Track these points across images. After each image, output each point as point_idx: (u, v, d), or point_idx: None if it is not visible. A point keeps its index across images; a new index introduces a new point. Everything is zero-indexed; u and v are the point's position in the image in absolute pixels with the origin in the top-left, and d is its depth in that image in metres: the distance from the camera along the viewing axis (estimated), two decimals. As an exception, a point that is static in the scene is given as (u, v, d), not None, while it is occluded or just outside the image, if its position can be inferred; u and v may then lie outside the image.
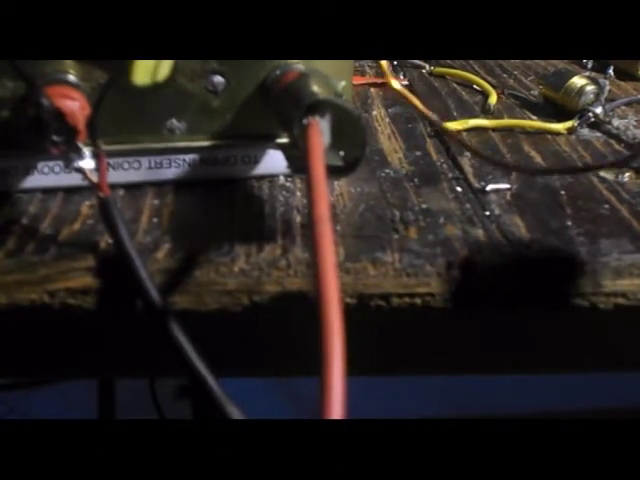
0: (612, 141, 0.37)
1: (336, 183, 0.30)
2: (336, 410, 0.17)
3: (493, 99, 0.42)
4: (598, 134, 0.38)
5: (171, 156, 0.30)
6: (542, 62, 0.52)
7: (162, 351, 0.23)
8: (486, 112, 0.41)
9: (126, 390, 0.99)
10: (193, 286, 0.25)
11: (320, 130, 0.24)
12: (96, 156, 0.26)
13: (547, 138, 0.37)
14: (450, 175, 0.32)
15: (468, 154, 0.34)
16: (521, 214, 0.29)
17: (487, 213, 0.29)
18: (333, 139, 0.25)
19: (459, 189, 0.31)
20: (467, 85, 0.46)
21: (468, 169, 0.33)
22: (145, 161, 0.30)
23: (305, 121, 0.25)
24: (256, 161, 0.31)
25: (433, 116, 0.32)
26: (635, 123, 0.39)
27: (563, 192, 0.31)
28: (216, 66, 0.29)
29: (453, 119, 0.39)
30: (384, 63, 0.30)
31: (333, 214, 0.28)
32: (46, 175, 0.30)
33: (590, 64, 0.49)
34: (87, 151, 0.26)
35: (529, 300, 0.25)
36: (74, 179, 0.27)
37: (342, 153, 0.26)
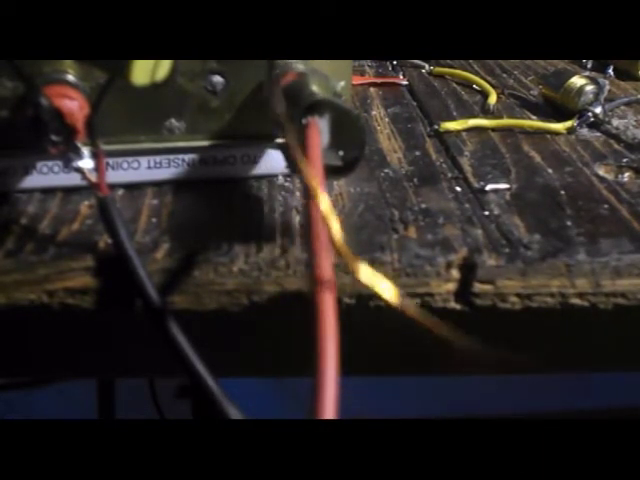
0: (612, 141, 0.37)
1: (335, 183, 0.30)
2: (329, 410, 0.17)
3: (493, 99, 0.42)
4: (598, 134, 0.38)
5: (170, 156, 0.30)
6: (542, 62, 0.52)
7: (162, 351, 0.23)
8: (486, 112, 0.41)
9: (126, 390, 0.99)
10: (192, 286, 0.25)
11: (319, 130, 0.24)
12: (95, 156, 0.26)
13: (547, 138, 0.37)
14: (449, 175, 0.32)
15: (467, 154, 0.34)
16: (520, 214, 0.29)
17: (486, 213, 0.29)
18: (332, 139, 0.25)
19: (458, 189, 0.31)
20: (467, 85, 0.46)
21: (467, 169, 0.33)
22: (144, 161, 0.30)
23: (304, 121, 0.25)
24: (255, 161, 0.31)
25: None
26: (635, 123, 0.39)
27: (563, 192, 0.31)
28: (215, 66, 0.29)
29: (453, 119, 0.39)
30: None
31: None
32: (45, 175, 0.30)
33: (590, 64, 0.49)
34: (86, 151, 0.26)
35: (528, 300, 0.25)
36: (73, 179, 0.27)
37: (341, 153, 0.26)
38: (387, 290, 0.20)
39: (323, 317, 0.19)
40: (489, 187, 0.31)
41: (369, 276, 0.20)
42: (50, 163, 0.29)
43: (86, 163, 0.26)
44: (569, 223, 0.28)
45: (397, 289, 0.20)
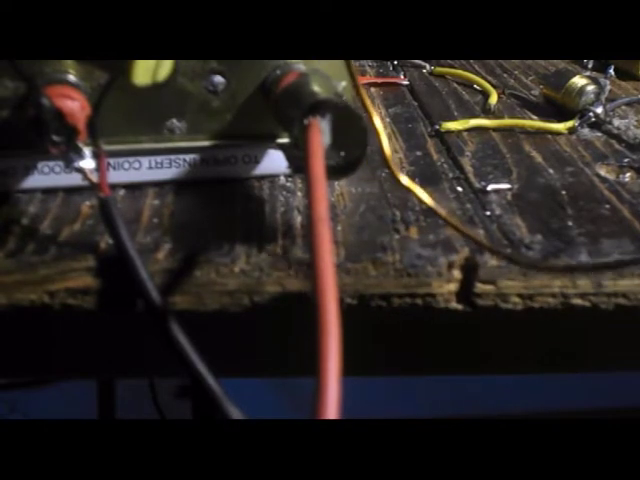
0: (613, 141, 0.37)
1: (336, 183, 0.30)
2: (331, 410, 0.17)
3: (493, 99, 0.42)
4: (599, 134, 0.38)
5: (171, 156, 0.30)
6: (543, 62, 0.52)
7: (162, 351, 0.23)
8: (487, 112, 0.41)
9: (126, 390, 0.99)
10: (193, 286, 0.25)
11: (320, 130, 0.24)
12: (96, 156, 0.26)
13: (548, 138, 0.37)
14: (451, 175, 0.32)
15: (469, 154, 0.34)
16: (522, 214, 0.29)
17: (488, 213, 0.29)
18: (334, 139, 0.25)
19: (460, 189, 0.31)
20: (467, 85, 0.46)
21: (469, 169, 0.33)
22: (145, 161, 0.30)
23: (306, 121, 0.25)
24: (257, 161, 0.31)
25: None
26: (636, 123, 0.39)
27: (564, 192, 0.31)
28: (216, 66, 0.29)
29: (454, 119, 0.39)
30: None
31: (334, 214, 0.28)
32: (46, 175, 0.30)
33: (590, 64, 0.49)
34: (87, 151, 0.26)
35: (529, 300, 0.25)
36: (74, 179, 0.27)
37: (343, 153, 0.26)
38: (424, 195, 0.25)
39: (325, 317, 0.19)
40: (490, 187, 0.31)
41: (409, 183, 0.25)
42: (51, 163, 0.29)
43: (87, 163, 0.26)
44: (570, 223, 0.28)
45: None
